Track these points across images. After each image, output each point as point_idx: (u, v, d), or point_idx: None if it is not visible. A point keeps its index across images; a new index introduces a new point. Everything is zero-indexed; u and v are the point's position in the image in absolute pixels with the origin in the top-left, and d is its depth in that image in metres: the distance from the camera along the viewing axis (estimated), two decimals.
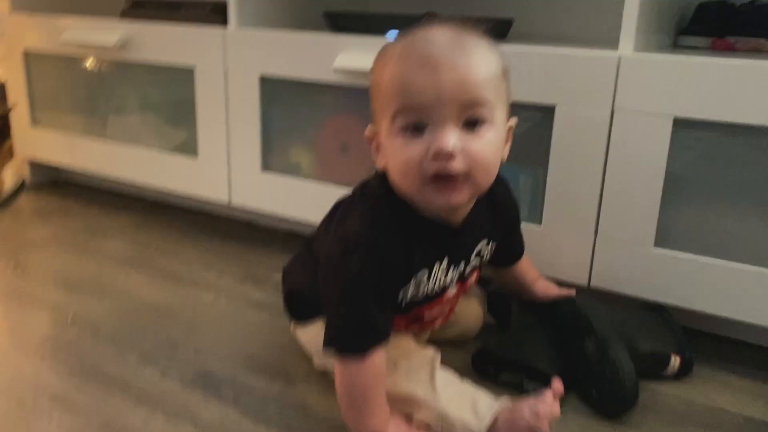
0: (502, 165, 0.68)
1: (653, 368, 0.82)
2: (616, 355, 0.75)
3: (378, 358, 0.66)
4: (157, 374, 0.81)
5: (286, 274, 0.84)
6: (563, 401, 0.75)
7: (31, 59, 1.45)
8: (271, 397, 0.76)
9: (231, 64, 1.16)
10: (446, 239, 0.70)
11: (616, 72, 0.84)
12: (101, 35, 1.28)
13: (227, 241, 1.26)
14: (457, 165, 0.62)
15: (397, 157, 0.64)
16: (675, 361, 0.81)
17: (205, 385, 0.79)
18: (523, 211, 0.96)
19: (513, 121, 0.70)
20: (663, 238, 0.86)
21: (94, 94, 1.39)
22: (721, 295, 0.84)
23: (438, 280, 0.71)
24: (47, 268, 1.12)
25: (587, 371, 0.78)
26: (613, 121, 0.86)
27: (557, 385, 0.64)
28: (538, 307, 0.87)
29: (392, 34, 0.99)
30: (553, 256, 0.93)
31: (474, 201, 0.71)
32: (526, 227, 0.93)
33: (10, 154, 1.55)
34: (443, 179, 0.62)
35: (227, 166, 1.21)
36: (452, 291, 0.75)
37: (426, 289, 0.71)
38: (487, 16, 1.15)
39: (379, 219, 0.67)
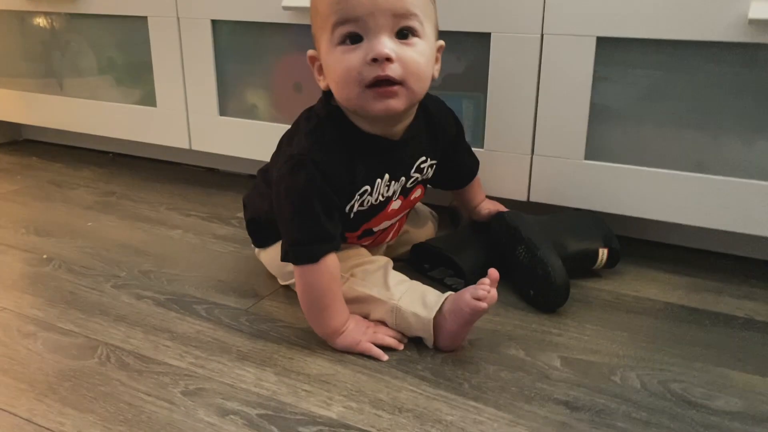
0: (434, 83, 0.75)
1: (584, 264, 0.91)
2: (544, 256, 0.83)
3: (331, 262, 0.73)
4: (132, 298, 0.87)
5: (246, 204, 0.90)
6: (504, 305, 0.84)
7: None
8: (242, 311, 0.83)
9: (182, 11, 1.19)
10: (387, 154, 0.77)
11: None
12: None
13: (190, 186, 1.31)
14: (394, 70, 0.68)
15: (338, 66, 0.70)
16: (603, 254, 0.90)
17: (179, 305, 0.85)
18: (467, 136, 1.03)
19: (441, 42, 0.76)
20: (592, 152, 0.95)
21: (50, 49, 1.41)
22: (645, 199, 0.92)
23: (380, 194, 0.78)
24: (16, 216, 1.16)
25: (523, 275, 0.86)
26: (543, 44, 0.93)
27: (493, 272, 0.72)
28: (481, 226, 0.96)
29: None
30: (495, 176, 1.01)
31: (412, 116, 0.78)
32: None
33: None
34: (381, 85, 0.69)
35: (186, 112, 1.26)
36: (396, 204, 0.82)
37: (370, 200, 0.78)
38: None
39: (322, 137, 0.74)
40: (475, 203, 0.96)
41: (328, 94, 0.76)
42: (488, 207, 0.96)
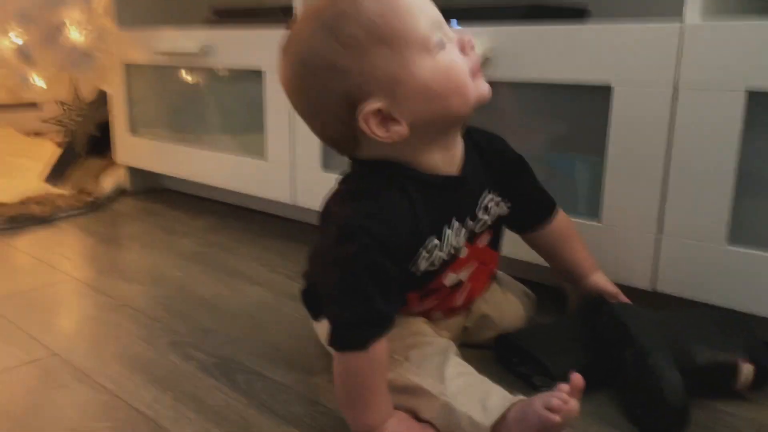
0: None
1: (720, 381, 0.69)
2: (656, 365, 0.64)
3: (380, 349, 0.61)
4: (179, 358, 0.80)
5: (304, 271, 0.81)
6: (600, 420, 0.66)
7: (131, 71, 1.55)
8: (283, 388, 0.73)
9: None
10: (450, 194, 0.66)
11: (678, 43, 0.74)
12: (186, 43, 1.34)
13: (293, 243, 1.26)
14: None
15: (455, 68, 0.62)
16: (746, 370, 0.68)
17: (222, 371, 0.77)
18: (581, 205, 0.87)
19: None
20: (737, 235, 0.74)
21: (181, 102, 1.46)
22: None
23: (450, 245, 0.67)
24: (113, 260, 1.17)
25: (629, 387, 0.68)
26: (677, 99, 0.75)
27: (575, 378, 0.56)
28: (586, 309, 0.78)
29: (454, 23, 0.95)
30: (614, 256, 0.83)
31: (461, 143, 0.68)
32: (583, 223, 0.85)
33: (109, 161, 1.66)
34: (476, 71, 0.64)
35: (291, 166, 1.21)
36: (463, 253, 0.69)
37: (441, 255, 0.66)
38: (561, 5, 1.08)
39: (371, 194, 0.63)
40: (581, 272, 0.79)
41: (362, 162, 0.67)
42: (602, 283, 0.78)
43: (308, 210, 1.30)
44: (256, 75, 1.25)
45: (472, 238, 0.70)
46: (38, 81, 1.53)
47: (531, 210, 0.78)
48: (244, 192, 1.33)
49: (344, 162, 1.13)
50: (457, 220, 0.67)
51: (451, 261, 0.68)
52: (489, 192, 0.70)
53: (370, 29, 0.60)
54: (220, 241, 1.27)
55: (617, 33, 0.79)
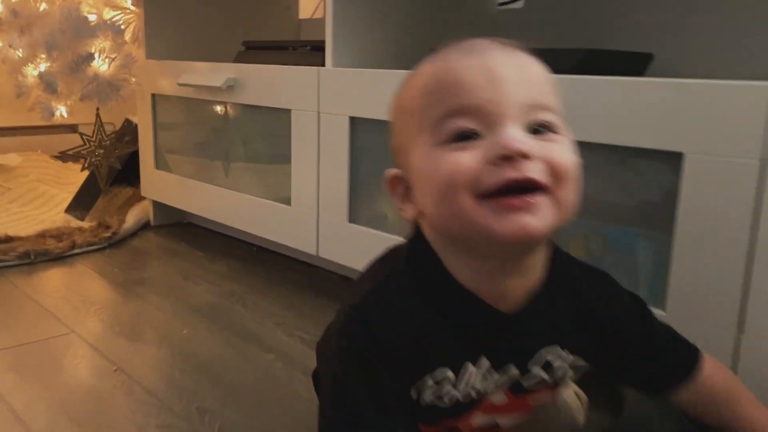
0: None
1: None
2: None
3: None
4: None
5: (317, 348, 0.70)
6: None
7: (157, 101, 1.48)
8: None
9: (324, 106, 1.07)
10: (489, 330, 0.51)
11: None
12: (211, 78, 1.27)
13: (313, 296, 1.16)
14: (536, 171, 0.44)
15: (439, 170, 0.46)
16: None
17: None
18: (642, 291, 0.74)
19: None
20: None
21: (206, 138, 1.38)
22: None
23: (471, 386, 0.52)
24: (121, 310, 1.09)
25: None
26: (766, 172, 0.62)
27: None
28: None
29: None
30: None
31: (536, 273, 0.52)
32: None
33: (135, 192, 1.59)
34: (513, 194, 0.44)
35: (316, 215, 1.12)
36: (498, 399, 0.55)
37: (453, 395, 0.52)
38: (623, 49, 0.96)
39: (389, 285, 0.52)
40: (742, 413, 0.58)
41: (414, 234, 0.54)
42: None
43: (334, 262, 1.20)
44: (281, 113, 1.16)
45: (518, 389, 0.54)
46: (62, 110, 1.47)
47: (658, 370, 0.58)
48: (269, 238, 1.24)
49: (371, 215, 1.04)
50: (489, 361, 0.52)
51: (474, 405, 0.54)
52: (561, 347, 0.54)
53: (409, 95, 0.51)
54: (238, 291, 1.17)
55: (692, 91, 0.66)
